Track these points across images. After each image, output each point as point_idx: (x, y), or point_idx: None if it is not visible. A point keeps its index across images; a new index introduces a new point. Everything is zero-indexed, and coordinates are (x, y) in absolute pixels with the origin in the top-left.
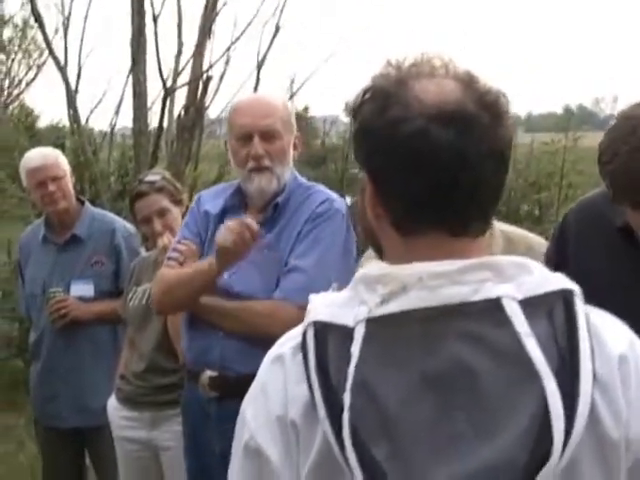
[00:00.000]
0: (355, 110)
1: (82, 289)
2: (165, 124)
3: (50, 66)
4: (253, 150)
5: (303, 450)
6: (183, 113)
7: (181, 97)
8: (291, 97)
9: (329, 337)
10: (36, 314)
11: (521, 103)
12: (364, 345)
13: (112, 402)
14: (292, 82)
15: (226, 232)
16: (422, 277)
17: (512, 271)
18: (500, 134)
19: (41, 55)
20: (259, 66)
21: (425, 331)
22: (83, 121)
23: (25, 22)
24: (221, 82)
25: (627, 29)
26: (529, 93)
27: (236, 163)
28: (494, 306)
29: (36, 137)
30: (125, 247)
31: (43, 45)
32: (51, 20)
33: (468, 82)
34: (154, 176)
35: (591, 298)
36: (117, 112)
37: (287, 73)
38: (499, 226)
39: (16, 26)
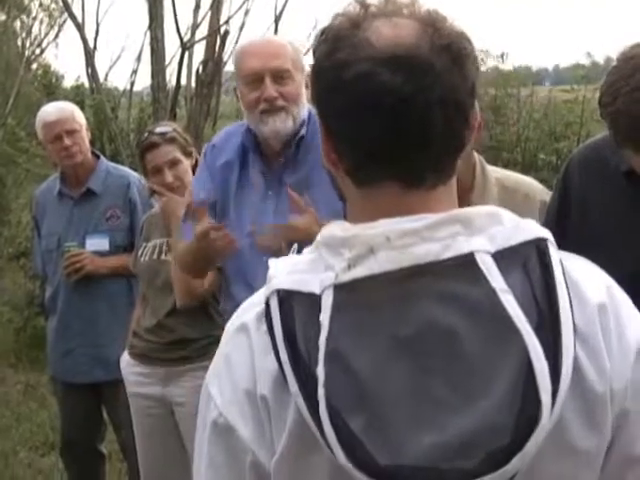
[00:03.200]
0: (313, 51)
1: (97, 243)
2: (183, 80)
3: (71, 25)
4: (266, 92)
5: (275, 425)
6: (201, 68)
7: (200, 53)
8: (308, 51)
9: (295, 306)
10: (52, 269)
11: (548, 55)
12: (333, 313)
13: (125, 358)
14: (310, 35)
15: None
16: (389, 237)
17: (482, 222)
18: (456, 81)
19: (62, 14)
20: (277, 19)
21: (395, 294)
22: (102, 79)
23: None
24: (239, 36)
25: None
26: (556, 45)
27: (246, 107)
28: (467, 262)
29: (56, 95)
30: (140, 201)
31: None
32: None
33: (429, 23)
34: (165, 127)
35: (597, 244)
36: (135, 70)
37: (306, 25)
38: (493, 172)
39: None
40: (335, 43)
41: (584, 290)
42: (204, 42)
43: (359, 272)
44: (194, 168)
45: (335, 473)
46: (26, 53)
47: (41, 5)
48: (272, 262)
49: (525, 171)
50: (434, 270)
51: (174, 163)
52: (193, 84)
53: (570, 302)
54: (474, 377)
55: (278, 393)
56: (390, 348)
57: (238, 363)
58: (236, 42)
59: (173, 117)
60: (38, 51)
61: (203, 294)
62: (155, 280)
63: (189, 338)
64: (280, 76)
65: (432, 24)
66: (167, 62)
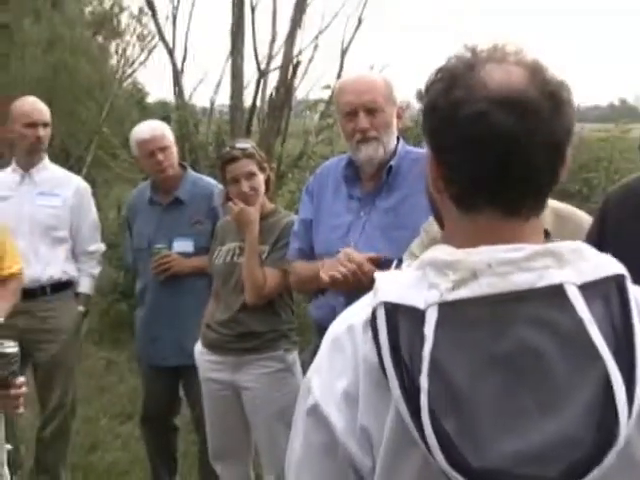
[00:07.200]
0: (426, 88)
1: (183, 246)
2: (258, 102)
3: (160, 49)
4: (359, 124)
5: (375, 421)
6: (274, 93)
7: (273, 79)
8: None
9: (399, 318)
10: (142, 265)
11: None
12: (437, 328)
13: (198, 347)
14: (371, 68)
15: (336, 265)
16: (491, 264)
17: (570, 257)
18: (558, 125)
19: (152, 39)
20: (343, 53)
21: (494, 315)
22: (187, 98)
23: (140, 10)
24: (309, 66)
25: None
26: (578, 87)
27: (345, 137)
28: (557, 292)
29: (145, 111)
30: (221, 209)
31: (154, 30)
32: (162, 9)
33: (535, 70)
34: (245, 144)
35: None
36: (216, 91)
37: (368, 61)
38: (550, 203)
39: (131, 14)
40: (451, 82)
41: None
42: (277, 70)
43: (463, 293)
44: (267, 182)
45: (424, 470)
46: (119, 72)
47: (134, 31)
48: (378, 275)
49: (556, 198)
50: (528, 297)
51: (251, 175)
52: (266, 106)
53: None
54: (558, 393)
55: (379, 395)
56: (485, 363)
57: (341, 363)
58: (305, 72)
59: (248, 134)
60: (129, 71)
61: (271, 293)
62: (229, 280)
63: (257, 331)
64: (372, 110)
65: (537, 71)
66: (245, 86)
